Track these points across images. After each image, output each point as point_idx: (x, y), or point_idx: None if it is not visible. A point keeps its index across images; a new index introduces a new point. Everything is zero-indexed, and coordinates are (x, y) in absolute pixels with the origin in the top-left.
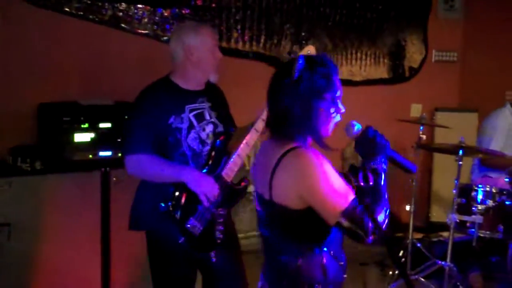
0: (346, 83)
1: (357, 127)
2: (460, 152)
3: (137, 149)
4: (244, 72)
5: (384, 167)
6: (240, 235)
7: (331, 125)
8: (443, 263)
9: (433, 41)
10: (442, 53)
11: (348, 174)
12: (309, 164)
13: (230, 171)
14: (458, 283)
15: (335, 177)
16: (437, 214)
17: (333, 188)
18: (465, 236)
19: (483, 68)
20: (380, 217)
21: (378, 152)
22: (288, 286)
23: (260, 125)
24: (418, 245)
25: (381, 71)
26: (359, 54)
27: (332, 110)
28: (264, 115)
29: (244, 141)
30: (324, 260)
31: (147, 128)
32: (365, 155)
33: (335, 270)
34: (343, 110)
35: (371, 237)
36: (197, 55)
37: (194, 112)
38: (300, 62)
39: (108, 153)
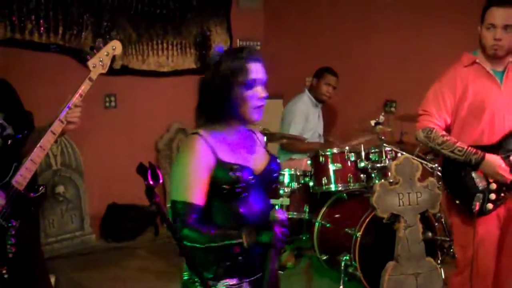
0: (154, 74)
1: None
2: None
3: None
4: (43, 66)
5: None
6: (51, 239)
7: (251, 108)
8: None
9: (237, 31)
10: (246, 42)
11: None
12: (183, 150)
13: (22, 178)
14: None
15: (195, 171)
16: None
17: (181, 178)
18: None
19: (285, 56)
20: (191, 236)
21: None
22: None
23: (57, 126)
24: None
25: (189, 61)
26: (165, 45)
27: (248, 93)
28: (62, 116)
29: (39, 145)
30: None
31: None
32: None
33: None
34: (263, 95)
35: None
36: None
37: None
38: (219, 48)
39: None
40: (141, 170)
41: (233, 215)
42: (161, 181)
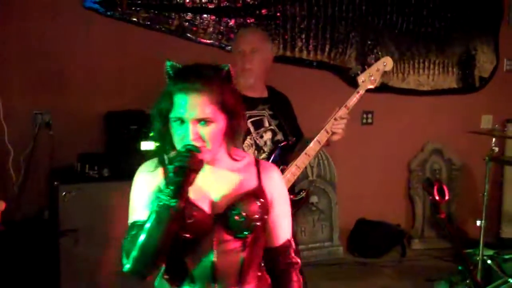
0: (413, 92)
1: None
2: None
3: None
4: (308, 81)
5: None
6: (301, 246)
7: None
8: None
9: (505, 50)
10: None
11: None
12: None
13: (286, 181)
14: None
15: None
16: (508, 230)
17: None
18: None
19: None
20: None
21: None
22: None
23: (323, 136)
24: (489, 262)
25: (450, 81)
26: (426, 63)
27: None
28: (328, 127)
29: (304, 152)
30: None
31: None
32: None
33: None
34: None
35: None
36: (233, 60)
37: (253, 119)
38: None
39: None
40: (427, 184)
41: None
42: (447, 197)
